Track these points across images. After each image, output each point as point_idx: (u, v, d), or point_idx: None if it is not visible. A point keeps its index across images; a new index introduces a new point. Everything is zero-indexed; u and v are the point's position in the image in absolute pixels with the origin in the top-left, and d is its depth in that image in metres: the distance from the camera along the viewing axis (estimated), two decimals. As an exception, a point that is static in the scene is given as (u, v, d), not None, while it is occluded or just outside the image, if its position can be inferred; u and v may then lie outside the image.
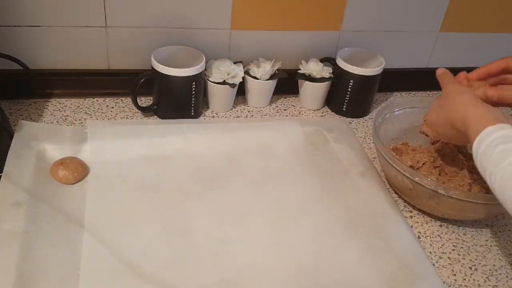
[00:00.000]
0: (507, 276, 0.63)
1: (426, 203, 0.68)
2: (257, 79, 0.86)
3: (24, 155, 0.66)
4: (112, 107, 0.84)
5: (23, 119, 0.74)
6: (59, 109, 0.81)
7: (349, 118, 0.90)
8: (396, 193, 0.73)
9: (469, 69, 1.03)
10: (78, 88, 0.85)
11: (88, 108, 0.83)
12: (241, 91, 0.88)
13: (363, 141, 0.85)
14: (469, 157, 0.74)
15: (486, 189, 0.69)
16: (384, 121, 0.77)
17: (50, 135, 0.71)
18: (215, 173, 0.71)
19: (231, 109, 0.88)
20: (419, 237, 0.67)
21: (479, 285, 0.61)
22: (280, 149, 0.77)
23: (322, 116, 0.91)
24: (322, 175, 0.73)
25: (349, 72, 0.86)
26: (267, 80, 0.86)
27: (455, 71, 1.03)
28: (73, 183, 0.65)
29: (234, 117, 0.86)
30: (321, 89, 0.89)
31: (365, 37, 0.93)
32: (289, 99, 0.93)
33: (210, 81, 0.83)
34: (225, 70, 0.83)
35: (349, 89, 0.87)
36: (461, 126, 0.56)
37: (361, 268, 0.60)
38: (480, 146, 0.51)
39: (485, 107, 0.55)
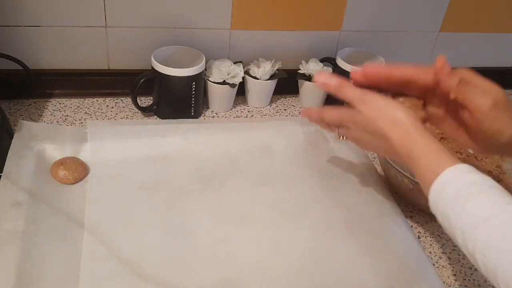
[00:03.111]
0: (507, 276, 0.63)
1: (426, 203, 0.67)
2: (257, 79, 0.86)
3: (24, 155, 0.66)
4: (112, 107, 0.84)
5: (23, 119, 0.74)
6: (59, 109, 0.81)
7: (349, 118, 0.90)
8: (396, 193, 0.73)
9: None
10: (78, 88, 0.85)
11: (88, 108, 0.83)
12: (241, 91, 0.88)
13: (363, 141, 0.85)
14: (469, 157, 0.74)
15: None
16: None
17: (50, 135, 0.71)
18: (215, 173, 0.71)
19: (231, 109, 0.88)
20: (419, 237, 0.67)
21: (479, 285, 0.61)
22: (280, 149, 0.77)
23: (322, 116, 0.90)
24: (322, 175, 0.73)
25: (349, 72, 0.86)
26: (267, 80, 0.86)
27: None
28: (73, 183, 0.65)
29: (234, 117, 0.86)
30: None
31: (365, 37, 0.93)
32: (289, 99, 0.93)
33: (210, 81, 0.83)
34: (225, 70, 0.83)
35: (349, 89, 0.87)
36: (405, 158, 0.51)
37: (361, 268, 0.60)
38: (443, 194, 0.45)
39: (430, 137, 0.50)
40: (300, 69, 0.89)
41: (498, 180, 0.71)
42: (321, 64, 0.89)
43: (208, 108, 0.87)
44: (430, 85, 0.55)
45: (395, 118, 0.51)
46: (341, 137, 0.60)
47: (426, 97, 0.57)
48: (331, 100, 0.92)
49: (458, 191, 0.44)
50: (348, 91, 0.55)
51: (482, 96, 0.52)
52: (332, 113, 0.59)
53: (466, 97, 0.52)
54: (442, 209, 0.46)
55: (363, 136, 0.56)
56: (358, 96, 0.55)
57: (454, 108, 0.55)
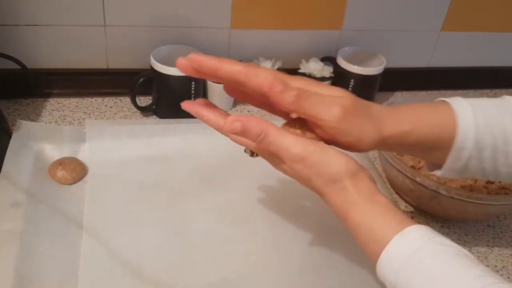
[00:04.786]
0: (509, 277, 0.62)
1: (427, 203, 0.67)
2: (257, 78, 0.85)
3: (22, 155, 0.66)
4: (111, 107, 0.83)
5: (21, 119, 0.74)
6: (58, 109, 0.81)
7: (349, 118, 0.90)
8: (397, 193, 0.73)
9: (469, 69, 1.04)
10: (77, 88, 0.84)
11: (87, 108, 0.82)
12: (241, 90, 0.87)
13: (363, 141, 0.84)
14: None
15: (488, 189, 0.68)
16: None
17: (48, 135, 0.70)
18: (215, 173, 0.71)
19: (231, 108, 0.88)
20: (420, 238, 0.66)
21: (481, 286, 0.61)
22: (280, 149, 0.77)
23: (322, 115, 0.90)
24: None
25: (349, 71, 0.86)
26: (267, 79, 0.86)
27: (455, 70, 1.04)
28: (72, 183, 0.65)
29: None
30: (321, 88, 0.89)
31: (365, 36, 0.93)
32: (289, 99, 0.93)
33: (210, 81, 0.83)
34: (225, 70, 0.83)
35: (350, 89, 0.87)
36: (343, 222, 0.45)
37: (361, 269, 0.59)
38: (393, 267, 0.39)
39: (378, 198, 0.43)
40: (300, 69, 0.89)
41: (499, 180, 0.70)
42: (322, 64, 0.89)
43: (207, 107, 0.87)
44: (263, 93, 0.45)
45: (334, 177, 0.44)
46: (250, 153, 0.50)
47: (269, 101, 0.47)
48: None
49: (415, 263, 0.38)
50: (274, 143, 0.44)
51: (328, 107, 0.44)
52: (253, 122, 0.44)
53: (309, 113, 0.45)
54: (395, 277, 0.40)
55: (288, 171, 0.47)
56: (287, 151, 0.44)
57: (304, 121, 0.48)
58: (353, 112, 0.45)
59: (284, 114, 0.49)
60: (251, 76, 0.44)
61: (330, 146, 0.46)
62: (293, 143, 0.44)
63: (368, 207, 0.43)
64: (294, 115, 0.46)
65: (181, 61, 0.46)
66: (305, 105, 0.44)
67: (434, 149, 0.49)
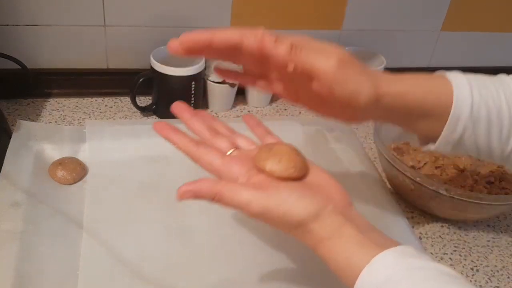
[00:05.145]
0: (508, 277, 0.62)
1: (427, 203, 0.67)
2: (257, 78, 0.85)
3: (22, 155, 0.66)
4: (111, 107, 0.83)
5: (21, 119, 0.74)
6: (58, 109, 0.81)
7: (349, 118, 0.90)
8: (397, 193, 0.73)
9: (470, 69, 1.03)
10: (77, 88, 0.84)
11: (87, 108, 0.82)
12: (241, 91, 0.87)
13: (364, 141, 0.84)
14: (470, 157, 0.73)
15: (488, 189, 0.68)
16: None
17: (48, 135, 0.70)
18: (215, 173, 0.71)
19: (231, 109, 0.88)
20: (420, 238, 0.66)
21: (480, 286, 0.61)
22: (280, 149, 0.77)
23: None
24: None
25: (349, 71, 0.86)
26: (267, 79, 0.86)
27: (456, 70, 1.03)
28: (72, 183, 0.65)
29: (234, 117, 0.86)
30: (321, 88, 0.89)
31: (366, 36, 0.93)
32: (289, 99, 0.93)
33: (210, 81, 0.83)
34: (225, 70, 0.83)
35: (350, 89, 0.87)
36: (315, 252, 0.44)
37: (362, 269, 0.59)
38: None
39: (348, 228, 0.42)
40: (300, 69, 0.89)
41: (500, 180, 0.70)
42: (322, 64, 0.89)
43: (207, 108, 0.87)
44: (257, 51, 0.44)
45: (298, 224, 0.43)
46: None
47: (264, 69, 0.47)
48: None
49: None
50: (231, 203, 0.44)
51: (323, 57, 0.43)
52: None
53: (305, 64, 0.43)
54: None
55: None
56: (244, 209, 0.43)
57: (299, 80, 0.45)
58: (349, 64, 0.43)
59: (280, 77, 0.47)
60: (245, 36, 0.43)
61: (291, 190, 0.43)
62: (250, 201, 0.43)
63: (334, 244, 0.42)
64: (290, 67, 0.43)
65: (173, 43, 0.43)
66: (301, 55, 0.43)
67: (428, 117, 0.47)
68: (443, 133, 0.48)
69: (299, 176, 0.46)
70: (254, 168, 0.47)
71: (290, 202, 0.43)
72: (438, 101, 0.47)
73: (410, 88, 0.46)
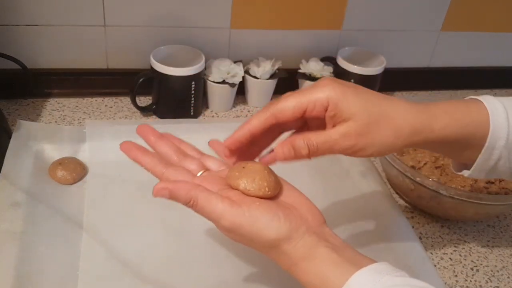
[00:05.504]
0: (508, 277, 0.62)
1: (427, 203, 0.67)
2: (257, 78, 0.85)
3: (22, 155, 0.66)
4: (111, 107, 0.83)
5: (21, 119, 0.74)
6: (58, 109, 0.81)
7: (349, 118, 0.90)
8: (397, 193, 0.73)
9: (470, 69, 1.04)
10: (77, 88, 0.84)
11: (87, 108, 0.82)
12: (241, 90, 0.87)
13: (363, 141, 0.84)
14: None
15: (488, 189, 0.68)
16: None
17: (48, 135, 0.70)
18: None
19: (231, 108, 0.88)
20: (420, 238, 0.66)
21: (480, 286, 0.61)
22: (280, 149, 0.77)
23: (322, 115, 0.90)
24: (322, 175, 0.73)
25: (349, 71, 0.86)
26: (267, 79, 0.86)
27: (455, 71, 1.04)
28: (72, 183, 0.65)
29: (234, 117, 0.86)
30: (321, 88, 0.89)
31: (366, 36, 0.93)
32: (289, 99, 0.93)
33: (210, 81, 0.83)
34: (225, 70, 0.83)
35: (350, 89, 0.87)
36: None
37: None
38: None
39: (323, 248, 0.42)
40: (300, 69, 0.89)
41: (499, 180, 0.70)
42: (322, 64, 0.89)
43: (207, 107, 0.87)
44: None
45: (270, 245, 0.42)
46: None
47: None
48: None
49: None
50: (203, 211, 0.43)
51: (339, 136, 0.45)
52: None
53: (324, 149, 0.46)
54: None
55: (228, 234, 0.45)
56: (217, 223, 0.43)
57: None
58: (366, 129, 0.44)
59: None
60: (277, 115, 0.45)
61: (265, 210, 0.43)
62: (222, 214, 0.42)
63: (308, 265, 0.41)
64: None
65: (226, 153, 0.48)
66: (320, 146, 0.46)
67: (464, 148, 0.48)
68: (477, 161, 0.48)
69: (273, 195, 0.45)
70: (227, 187, 0.46)
71: (263, 222, 0.42)
72: (475, 133, 0.46)
73: (448, 123, 0.46)
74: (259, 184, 0.44)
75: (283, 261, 0.43)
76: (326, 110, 0.44)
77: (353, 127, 0.44)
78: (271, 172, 0.47)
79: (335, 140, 0.45)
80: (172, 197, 0.44)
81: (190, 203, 0.43)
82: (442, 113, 0.46)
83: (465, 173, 0.50)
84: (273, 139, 0.50)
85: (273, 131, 0.48)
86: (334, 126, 0.45)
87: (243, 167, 0.46)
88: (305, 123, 0.49)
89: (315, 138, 0.45)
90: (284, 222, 0.42)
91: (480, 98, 0.48)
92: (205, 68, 0.82)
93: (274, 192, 0.45)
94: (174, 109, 0.82)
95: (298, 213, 0.44)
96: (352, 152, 0.46)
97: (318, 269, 0.41)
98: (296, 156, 0.46)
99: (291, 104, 0.44)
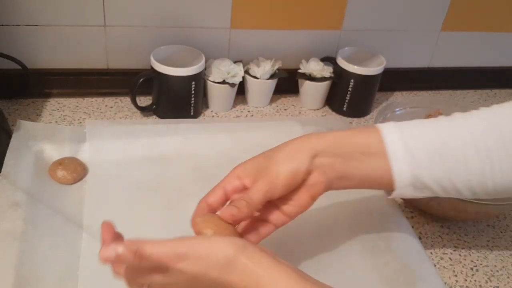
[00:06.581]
0: (508, 277, 0.62)
1: (427, 203, 0.67)
2: (257, 78, 0.85)
3: (22, 155, 0.66)
4: (111, 107, 0.83)
5: (21, 119, 0.74)
6: (58, 109, 0.81)
7: (349, 118, 0.90)
8: (397, 193, 0.73)
9: (469, 69, 1.04)
10: (77, 88, 0.84)
11: (87, 108, 0.82)
12: (241, 90, 0.87)
13: (363, 141, 0.84)
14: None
15: (487, 189, 0.68)
16: (385, 121, 0.76)
17: (48, 135, 0.70)
18: (215, 173, 0.70)
19: (231, 108, 0.88)
20: (420, 238, 0.66)
21: (480, 286, 0.61)
22: (280, 149, 0.77)
23: (322, 116, 0.90)
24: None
25: (349, 71, 0.86)
26: (267, 79, 0.86)
27: (456, 70, 1.04)
28: (72, 183, 0.65)
29: (234, 117, 0.86)
30: (321, 88, 0.89)
31: (365, 36, 0.93)
32: (289, 99, 0.93)
33: (210, 81, 0.83)
34: (225, 70, 0.83)
35: (350, 89, 0.87)
36: None
37: (361, 269, 0.59)
38: None
39: (276, 264, 0.41)
40: (300, 69, 0.89)
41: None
42: (322, 64, 0.89)
43: (207, 107, 0.87)
44: None
45: (227, 260, 0.39)
46: None
47: None
48: (332, 99, 0.91)
49: None
50: (154, 253, 0.38)
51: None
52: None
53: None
54: None
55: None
56: (169, 254, 0.39)
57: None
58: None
59: None
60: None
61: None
62: (174, 246, 0.39)
63: (275, 278, 0.39)
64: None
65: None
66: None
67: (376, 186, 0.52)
68: (393, 195, 0.51)
69: None
70: None
71: (214, 239, 0.42)
72: (380, 186, 0.51)
73: (352, 180, 0.50)
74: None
75: (245, 278, 0.39)
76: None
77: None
78: (229, 228, 0.47)
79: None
80: (118, 262, 0.41)
81: (137, 253, 0.39)
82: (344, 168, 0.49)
83: (392, 194, 0.51)
84: None
85: None
86: None
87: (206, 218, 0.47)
88: None
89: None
90: (235, 236, 0.44)
91: (384, 141, 0.49)
92: (205, 68, 0.82)
93: None
94: (174, 109, 0.82)
95: None
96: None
97: (287, 274, 0.41)
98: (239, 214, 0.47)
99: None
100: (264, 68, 0.85)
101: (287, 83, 0.89)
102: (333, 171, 0.49)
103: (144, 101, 0.86)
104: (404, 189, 0.49)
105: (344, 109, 0.90)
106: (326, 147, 0.48)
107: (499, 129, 0.46)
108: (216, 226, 0.46)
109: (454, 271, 0.62)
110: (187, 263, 0.39)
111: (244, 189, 0.49)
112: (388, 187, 0.50)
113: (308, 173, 0.48)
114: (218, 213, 0.49)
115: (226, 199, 0.51)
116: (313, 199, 0.50)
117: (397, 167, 0.47)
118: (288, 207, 0.50)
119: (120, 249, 0.38)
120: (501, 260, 0.65)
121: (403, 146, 0.47)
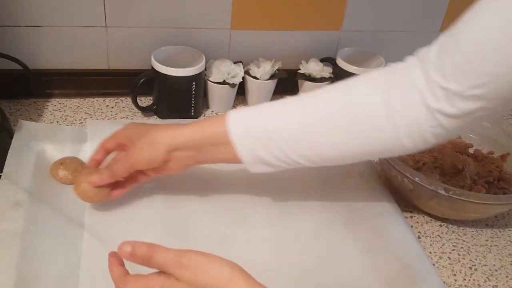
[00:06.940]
0: (507, 276, 0.63)
1: (426, 203, 0.68)
2: (257, 79, 0.86)
3: (24, 155, 0.66)
4: (112, 107, 0.84)
5: (23, 119, 0.74)
6: (59, 109, 0.81)
7: (349, 118, 0.90)
8: (396, 193, 0.73)
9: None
10: (78, 88, 0.85)
11: (88, 108, 0.83)
12: (241, 91, 0.87)
13: (363, 141, 0.84)
14: (469, 157, 0.74)
15: (486, 189, 0.69)
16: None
17: (50, 135, 0.71)
18: (215, 173, 0.71)
19: (231, 109, 0.88)
20: (419, 237, 0.67)
21: (479, 285, 0.61)
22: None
23: (322, 116, 0.90)
24: (322, 175, 0.73)
25: (349, 72, 0.86)
26: (267, 80, 0.86)
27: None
28: (73, 183, 0.65)
29: (234, 117, 0.86)
30: (321, 89, 0.89)
31: (365, 37, 0.93)
32: (289, 99, 0.93)
33: (210, 81, 0.83)
34: (225, 70, 0.83)
35: (349, 89, 0.87)
36: None
37: (361, 268, 0.59)
38: None
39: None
40: (300, 69, 0.89)
41: (498, 180, 0.71)
42: (321, 64, 0.89)
43: (208, 108, 0.87)
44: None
45: (223, 278, 0.43)
46: None
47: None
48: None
49: None
50: (160, 257, 0.43)
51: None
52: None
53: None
54: None
55: None
56: (173, 260, 0.43)
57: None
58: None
59: None
60: None
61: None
62: (179, 253, 0.43)
63: None
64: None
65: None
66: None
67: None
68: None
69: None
70: None
71: (212, 256, 0.46)
72: (231, 162, 0.58)
73: (206, 163, 0.61)
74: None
75: None
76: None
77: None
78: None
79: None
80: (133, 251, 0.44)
81: (146, 258, 0.43)
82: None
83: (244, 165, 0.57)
84: None
85: None
86: None
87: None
88: None
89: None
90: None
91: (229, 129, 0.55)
92: (205, 69, 0.82)
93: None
94: (175, 110, 0.82)
95: None
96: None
97: None
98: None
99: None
100: (264, 69, 0.85)
101: (287, 83, 0.89)
102: (187, 160, 0.58)
103: (145, 101, 0.86)
104: (253, 167, 0.57)
105: (344, 109, 0.90)
106: (181, 142, 0.56)
107: (323, 109, 0.54)
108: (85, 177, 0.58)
109: (453, 270, 0.63)
110: (187, 272, 0.43)
111: (122, 145, 0.61)
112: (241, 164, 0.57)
113: (165, 161, 0.57)
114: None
115: (107, 154, 0.63)
116: (176, 172, 0.59)
117: (242, 153, 0.56)
118: (154, 173, 0.61)
119: (136, 246, 0.43)
120: (500, 259, 0.65)
121: (245, 135, 0.55)
